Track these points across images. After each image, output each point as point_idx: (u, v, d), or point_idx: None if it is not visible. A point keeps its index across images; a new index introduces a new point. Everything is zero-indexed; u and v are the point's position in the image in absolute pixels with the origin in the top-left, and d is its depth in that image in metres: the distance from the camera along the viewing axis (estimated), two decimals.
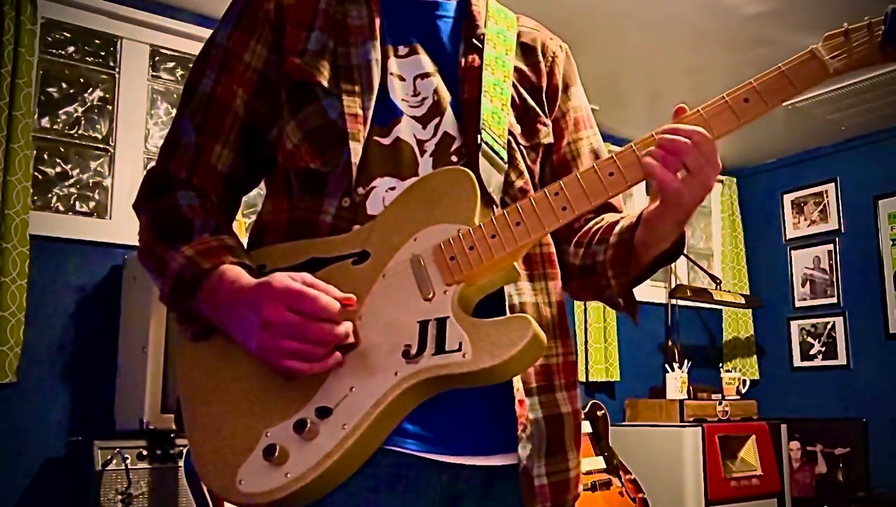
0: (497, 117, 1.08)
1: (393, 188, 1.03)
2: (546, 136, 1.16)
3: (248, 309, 0.91)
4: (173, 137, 1.10)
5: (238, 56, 1.09)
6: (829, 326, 4.79)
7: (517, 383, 1.01)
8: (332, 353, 0.91)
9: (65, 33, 3.09)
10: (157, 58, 3.30)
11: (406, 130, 1.05)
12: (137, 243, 1.08)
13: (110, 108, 3.15)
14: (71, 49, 3.10)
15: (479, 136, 1.05)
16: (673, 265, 4.55)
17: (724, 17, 3.41)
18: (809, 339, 4.88)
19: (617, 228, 1.08)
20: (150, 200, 1.07)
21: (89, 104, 3.11)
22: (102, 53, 3.16)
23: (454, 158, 1.06)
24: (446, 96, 1.09)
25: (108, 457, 2.47)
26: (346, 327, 0.91)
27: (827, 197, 4.87)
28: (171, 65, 3.35)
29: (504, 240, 0.95)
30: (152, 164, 1.15)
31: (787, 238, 5.06)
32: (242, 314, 0.92)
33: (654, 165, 0.93)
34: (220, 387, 0.97)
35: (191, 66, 1.14)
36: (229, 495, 0.91)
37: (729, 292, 4.71)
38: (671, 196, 0.95)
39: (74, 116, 3.08)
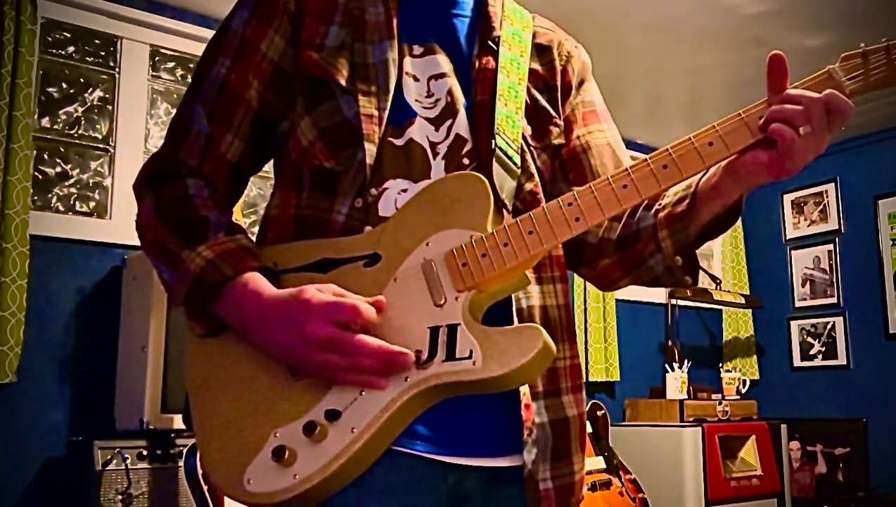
0: (511, 122, 1.07)
1: (405, 190, 1.02)
2: (557, 136, 1.15)
3: (286, 325, 0.91)
4: (183, 122, 1.08)
5: (254, 46, 1.07)
6: (829, 326, 4.79)
7: (523, 387, 1.01)
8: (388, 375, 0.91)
9: (65, 33, 3.09)
10: (157, 58, 3.30)
11: (419, 131, 1.05)
12: (135, 229, 1.05)
13: (110, 108, 3.15)
14: (71, 49, 3.10)
15: (493, 141, 1.04)
16: None
17: (724, 17, 3.41)
18: (809, 339, 4.88)
19: (672, 190, 1.04)
20: (158, 187, 1.04)
21: (89, 104, 3.11)
22: (102, 53, 3.16)
23: (466, 161, 1.05)
24: (460, 98, 1.08)
25: (108, 457, 2.46)
26: (377, 342, 0.91)
27: (827, 197, 4.88)
28: (171, 65, 3.35)
29: (516, 249, 0.95)
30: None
31: (787, 238, 5.06)
32: (282, 331, 0.92)
33: (774, 119, 0.91)
34: (229, 385, 0.97)
35: (192, 66, 1.13)
36: (236, 494, 0.92)
37: (729, 292, 4.71)
38: (786, 148, 0.91)
39: (74, 116, 3.08)
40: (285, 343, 0.92)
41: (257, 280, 0.96)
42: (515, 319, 1.02)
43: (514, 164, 1.06)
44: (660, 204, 1.05)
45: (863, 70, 0.94)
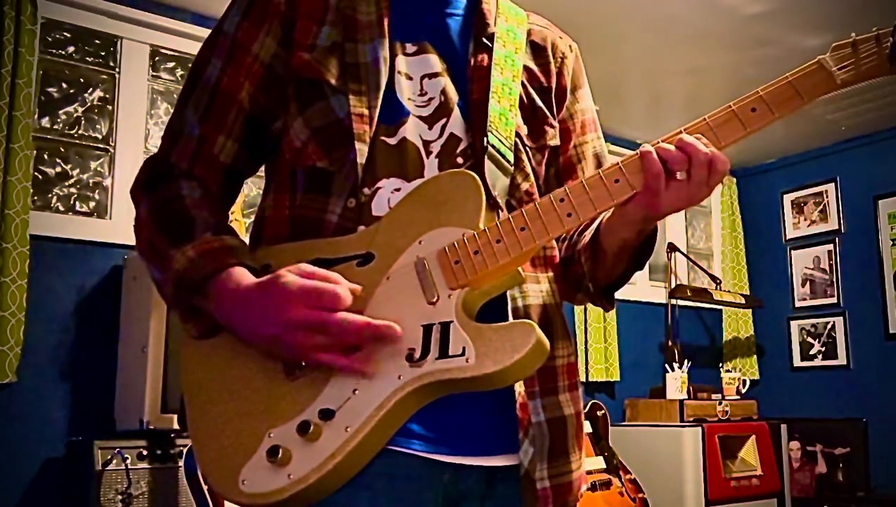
0: (504, 119, 1.07)
1: (398, 189, 1.02)
2: (553, 137, 1.15)
3: (265, 312, 0.91)
4: (176, 125, 1.09)
5: (246, 47, 1.07)
6: (829, 326, 4.79)
7: (519, 386, 1.01)
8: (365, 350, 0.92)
9: (65, 33, 3.09)
10: (157, 58, 3.30)
11: (412, 130, 1.05)
12: (133, 233, 1.06)
13: (110, 108, 3.15)
14: (71, 49, 3.10)
15: (485, 138, 1.04)
16: (673, 265, 4.55)
17: (724, 17, 3.41)
18: (809, 339, 4.88)
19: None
20: (152, 190, 1.05)
21: (89, 104, 3.11)
22: (102, 53, 3.16)
23: (460, 160, 1.05)
24: (454, 97, 1.08)
25: (108, 457, 2.47)
26: (362, 318, 0.91)
27: (827, 197, 4.88)
28: (171, 65, 3.35)
29: (509, 245, 0.95)
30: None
31: (787, 238, 5.06)
32: (261, 318, 0.92)
33: (651, 154, 0.94)
34: (223, 386, 0.97)
35: (191, 66, 1.13)
36: (231, 494, 0.92)
37: (729, 292, 4.71)
38: (651, 188, 0.94)
39: (74, 116, 3.08)
40: (269, 333, 0.92)
41: (237, 274, 0.96)
42: (511, 318, 1.02)
43: (507, 161, 1.06)
44: (587, 230, 1.10)
45: (853, 60, 0.94)
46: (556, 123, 1.16)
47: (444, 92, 1.08)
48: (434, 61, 1.09)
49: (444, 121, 1.06)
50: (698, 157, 0.92)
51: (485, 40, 1.12)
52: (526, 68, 1.14)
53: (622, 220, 1.01)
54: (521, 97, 1.11)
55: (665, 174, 0.93)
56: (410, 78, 1.07)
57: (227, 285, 0.95)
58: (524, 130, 1.11)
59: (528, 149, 1.11)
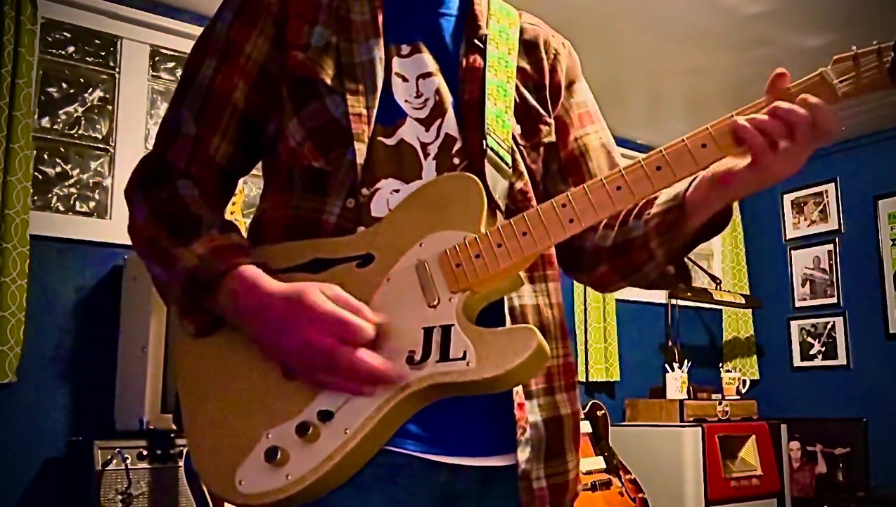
0: (501, 121, 1.07)
1: (397, 191, 1.02)
2: (547, 134, 1.15)
3: (285, 323, 0.91)
4: (171, 125, 1.08)
5: (239, 47, 1.07)
6: (829, 326, 4.79)
7: (517, 386, 1.01)
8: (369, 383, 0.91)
9: (65, 33, 3.09)
10: (157, 58, 3.30)
11: (409, 132, 1.05)
12: (128, 232, 1.05)
13: (110, 108, 3.15)
14: (71, 49, 3.10)
15: (484, 141, 1.04)
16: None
17: (724, 17, 3.41)
18: (809, 339, 4.88)
19: (660, 200, 1.05)
20: (149, 189, 1.05)
21: (89, 104, 3.11)
22: (102, 53, 3.16)
23: (456, 161, 1.05)
24: (448, 97, 1.08)
25: (108, 457, 2.47)
26: (379, 359, 0.91)
27: (827, 197, 4.88)
28: (171, 65, 3.35)
29: (510, 250, 0.95)
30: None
31: (787, 238, 5.06)
32: (279, 328, 0.92)
33: (747, 128, 0.91)
34: (220, 385, 0.97)
35: (184, 65, 1.12)
36: (228, 494, 0.91)
37: (729, 292, 4.71)
38: (758, 160, 0.92)
39: (74, 116, 3.08)
40: (285, 347, 0.92)
41: (252, 272, 0.95)
42: (508, 318, 1.02)
43: (506, 164, 1.06)
44: (648, 213, 1.06)
45: (854, 73, 0.94)
46: (550, 121, 1.16)
47: (438, 92, 1.07)
48: (428, 61, 1.09)
49: (439, 122, 1.06)
50: (798, 121, 0.90)
51: (476, 42, 1.12)
52: (519, 69, 1.14)
53: (718, 193, 0.97)
54: (515, 99, 1.11)
55: (770, 145, 0.91)
56: (406, 80, 1.07)
57: (242, 283, 0.94)
58: (517, 130, 1.11)
59: (522, 148, 1.11)
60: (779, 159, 0.92)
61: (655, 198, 1.05)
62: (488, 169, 1.03)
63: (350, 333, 0.90)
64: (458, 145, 1.06)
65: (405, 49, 1.09)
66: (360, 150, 1.01)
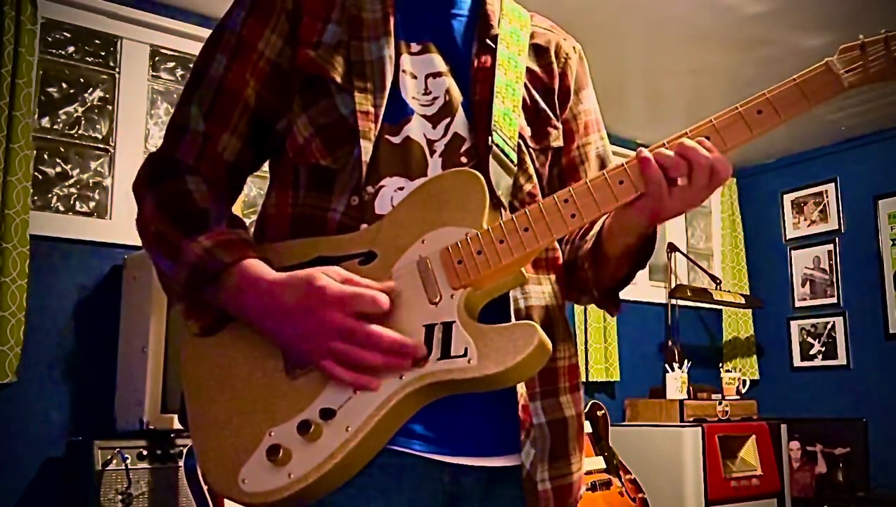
0: (508, 119, 1.07)
1: (401, 188, 1.02)
2: (556, 139, 1.15)
3: (293, 309, 0.91)
4: (180, 121, 1.08)
5: (251, 44, 1.07)
6: (829, 326, 4.79)
7: (521, 388, 1.01)
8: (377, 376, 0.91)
9: (65, 33, 3.09)
10: (157, 58, 3.30)
11: (416, 129, 1.05)
12: (136, 229, 1.05)
13: (110, 108, 3.15)
14: (71, 49, 3.10)
15: (489, 137, 1.04)
16: (673, 265, 4.55)
17: (724, 17, 3.41)
18: (809, 339, 4.88)
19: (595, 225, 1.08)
20: (157, 185, 1.04)
21: (89, 104, 3.11)
22: (102, 53, 3.16)
23: (464, 160, 1.05)
24: (458, 97, 1.08)
25: (108, 457, 2.46)
26: (396, 335, 0.91)
27: (827, 197, 4.88)
28: (171, 65, 3.35)
29: (512, 245, 0.94)
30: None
31: (787, 238, 5.06)
32: (294, 319, 0.91)
33: (650, 161, 0.93)
34: (224, 384, 0.97)
35: (191, 66, 1.12)
36: (231, 493, 0.91)
37: (729, 292, 4.71)
38: (653, 194, 0.94)
39: (74, 116, 3.08)
40: (298, 333, 0.91)
41: (257, 266, 0.95)
42: (513, 319, 1.02)
43: (511, 161, 1.06)
44: (591, 234, 1.10)
45: (861, 62, 0.93)
46: (559, 125, 1.16)
47: (448, 92, 1.08)
48: (438, 61, 1.09)
49: (447, 120, 1.06)
50: (699, 162, 0.92)
51: (488, 42, 1.12)
52: (528, 70, 1.14)
53: (624, 225, 1.01)
54: (524, 99, 1.11)
55: (666, 181, 0.93)
56: (415, 77, 1.07)
57: (247, 276, 0.94)
58: (528, 132, 1.11)
59: (531, 150, 1.11)
60: (672, 195, 0.94)
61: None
62: (492, 165, 1.03)
63: (365, 303, 0.90)
64: (466, 145, 1.06)
65: (415, 47, 1.09)
66: (367, 147, 1.01)
